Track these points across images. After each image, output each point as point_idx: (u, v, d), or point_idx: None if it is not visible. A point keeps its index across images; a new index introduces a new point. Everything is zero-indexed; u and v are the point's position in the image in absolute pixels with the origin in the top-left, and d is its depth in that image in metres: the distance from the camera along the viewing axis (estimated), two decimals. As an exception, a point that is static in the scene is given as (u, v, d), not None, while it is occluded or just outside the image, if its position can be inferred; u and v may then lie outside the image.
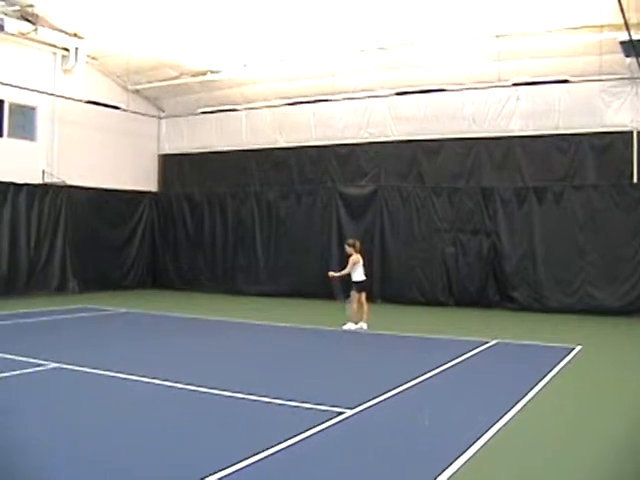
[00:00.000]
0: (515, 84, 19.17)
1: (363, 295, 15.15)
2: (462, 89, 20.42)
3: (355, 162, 22.69)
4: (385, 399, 8.48)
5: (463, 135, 20.92)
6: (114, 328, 15.68)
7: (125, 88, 24.21)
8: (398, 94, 21.13)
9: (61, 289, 21.88)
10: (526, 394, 8.77)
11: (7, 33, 19.35)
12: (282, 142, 24.10)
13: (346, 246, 15.64)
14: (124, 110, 23.17)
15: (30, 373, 9.76)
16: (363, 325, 14.91)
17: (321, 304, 20.32)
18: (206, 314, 17.58)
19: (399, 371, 10.56)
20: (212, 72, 23.02)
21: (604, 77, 18.46)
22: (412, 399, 8.78)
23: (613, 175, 18.99)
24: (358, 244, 15.48)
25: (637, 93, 18.74)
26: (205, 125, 25.53)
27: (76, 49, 21.69)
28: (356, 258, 15.15)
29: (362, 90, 21.88)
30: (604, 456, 6.66)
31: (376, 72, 21.15)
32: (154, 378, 9.44)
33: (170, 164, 26.78)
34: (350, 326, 14.91)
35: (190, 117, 25.60)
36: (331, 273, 15.85)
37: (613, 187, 18.54)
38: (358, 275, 15.14)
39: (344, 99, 22.01)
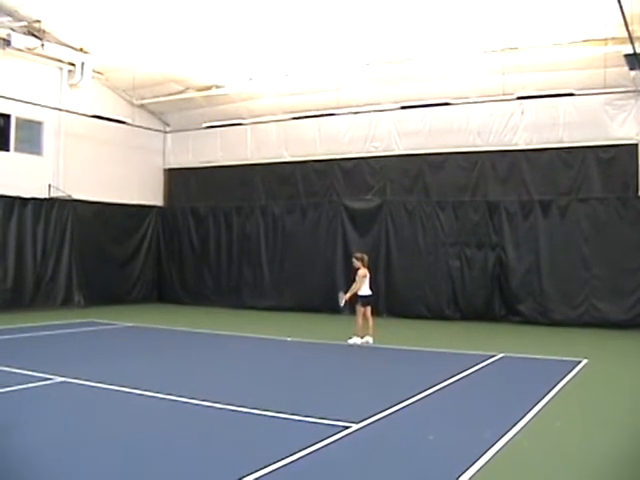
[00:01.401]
0: (520, 97, 19.15)
1: (368, 309, 15.08)
2: (467, 103, 20.46)
3: (360, 176, 22.70)
4: (391, 413, 8.45)
5: (468, 149, 20.94)
6: (120, 342, 15.68)
7: (131, 103, 24.34)
8: (403, 108, 21.12)
9: (67, 303, 21.90)
10: (532, 408, 8.73)
11: (14, 48, 19.56)
12: (287, 156, 24.16)
13: (354, 260, 15.51)
14: (130, 125, 23.26)
15: (37, 387, 9.75)
16: (369, 339, 14.86)
17: (326, 318, 20.30)
18: (212, 328, 17.57)
19: (405, 385, 10.53)
20: (217, 87, 23.16)
21: (609, 90, 18.48)
22: (418, 413, 8.76)
23: (618, 188, 18.98)
24: (366, 258, 15.41)
25: (642, 106, 18.79)
26: (210, 139, 25.58)
27: (82, 64, 21.85)
28: (364, 272, 15.09)
29: (367, 104, 21.94)
30: (611, 470, 6.63)
31: (381, 86, 21.21)
32: (161, 393, 9.42)
33: (176, 178, 26.85)
34: (356, 340, 14.87)
35: (195, 131, 25.64)
36: (347, 297, 15.20)
37: (618, 200, 18.53)
38: (364, 289, 15.07)
39: (349, 113, 22.05)
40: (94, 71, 22.53)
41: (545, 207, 19.30)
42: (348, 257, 20.70)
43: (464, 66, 19.44)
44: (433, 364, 13.06)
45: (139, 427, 7.96)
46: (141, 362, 12.73)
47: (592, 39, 17.31)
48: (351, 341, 14.88)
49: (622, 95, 18.83)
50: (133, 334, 17.15)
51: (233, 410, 8.56)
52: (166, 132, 26.78)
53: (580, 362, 12.45)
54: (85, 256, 22.56)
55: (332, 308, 20.70)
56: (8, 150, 21.13)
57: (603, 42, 17.19)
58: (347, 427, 7.66)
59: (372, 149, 22.57)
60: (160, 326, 18.12)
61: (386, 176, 22.25)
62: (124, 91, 24.28)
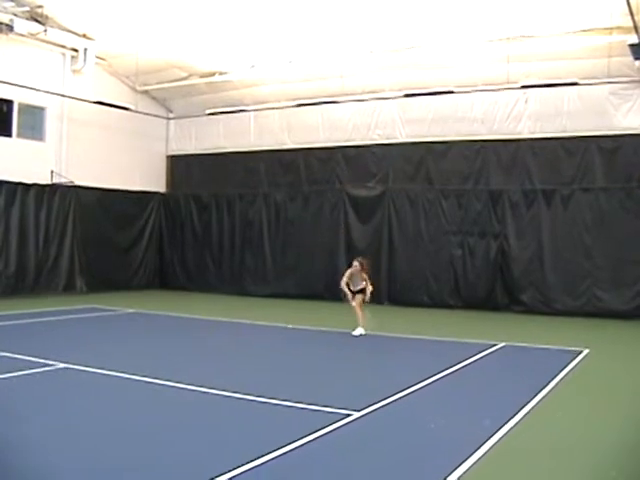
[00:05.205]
0: (524, 86, 19.11)
1: (358, 297, 14.93)
2: (471, 91, 20.40)
3: (363, 164, 22.62)
4: (392, 401, 8.47)
5: (472, 137, 20.85)
6: (122, 328, 15.73)
7: (134, 89, 24.28)
8: (407, 96, 21.09)
9: (69, 289, 21.94)
10: (533, 397, 8.75)
11: (17, 34, 19.45)
12: (290, 143, 24.09)
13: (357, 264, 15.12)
14: (133, 111, 23.18)
15: (38, 373, 9.78)
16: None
17: (329, 306, 20.30)
18: (213, 315, 17.59)
19: (406, 374, 10.55)
20: (220, 73, 23.08)
21: (613, 80, 18.43)
22: (419, 402, 8.77)
23: (621, 178, 18.91)
24: (364, 263, 15.18)
25: (646, 96, 18.70)
26: (213, 126, 25.54)
27: (85, 50, 21.78)
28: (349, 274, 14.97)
29: (371, 92, 21.85)
30: (612, 459, 6.64)
31: (385, 74, 21.13)
32: (162, 379, 9.44)
33: (178, 165, 26.81)
34: (361, 331, 14.76)
35: (198, 118, 25.60)
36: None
37: (622, 190, 18.50)
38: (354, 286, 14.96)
39: (353, 100, 22.01)
40: (97, 57, 22.46)
41: (548, 196, 19.27)
42: (350, 244, 20.98)
43: (468, 54, 19.34)
44: (435, 353, 13.06)
45: (140, 413, 7.98)
46: (142, 348, 12.76)
47: (597, 28, 17.21)
48: (356, 332, 14.79)
49: (626, 85, 18.74)
50: (135, 320, 17.19)
51: (234, 397, 8.58)
52: (169, 118, 26.73)
53: (581, 352, 12.47)
54: (87, 242, 22.57)
55: (334, 296, 20.79)
56: (10, 136, 21.10)
57: (608, 31, 17.12)
58: (348, 415, 7.68)
59: (375, 137, 22.48)
60: (162, 312, 18.16)
61: (389, 164, 22.16)
62: (127, 77, 24.22)
